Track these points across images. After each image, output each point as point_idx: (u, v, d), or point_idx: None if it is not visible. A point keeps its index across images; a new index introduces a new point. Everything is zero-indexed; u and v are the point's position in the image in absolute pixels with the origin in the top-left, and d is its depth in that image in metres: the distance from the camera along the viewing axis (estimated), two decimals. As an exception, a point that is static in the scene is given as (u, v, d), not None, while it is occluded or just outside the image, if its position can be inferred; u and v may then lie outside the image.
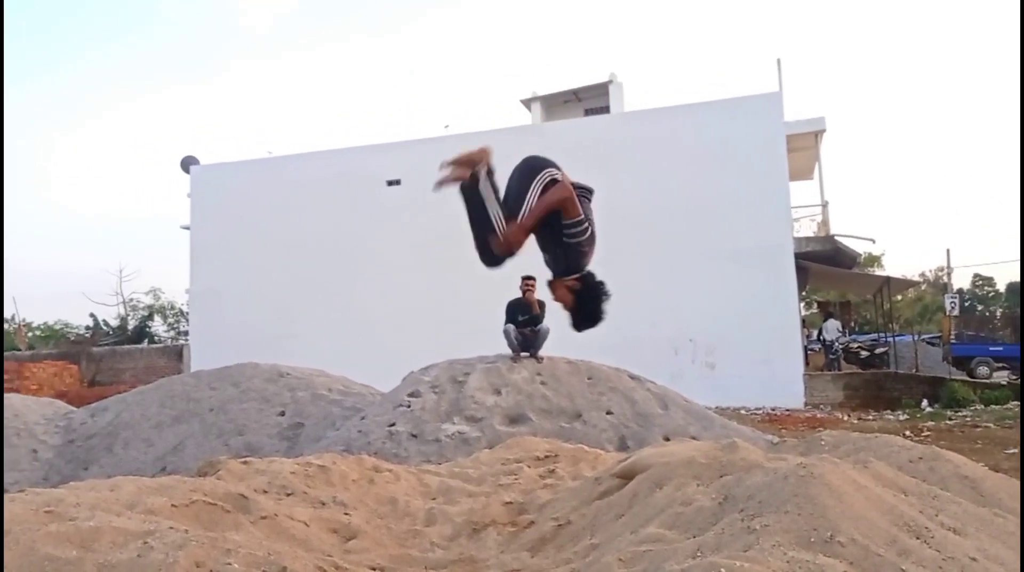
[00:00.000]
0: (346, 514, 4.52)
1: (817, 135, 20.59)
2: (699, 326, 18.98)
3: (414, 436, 7.92)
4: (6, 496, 3.67)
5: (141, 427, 9.70)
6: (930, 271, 54.69)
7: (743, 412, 15.71)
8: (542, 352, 9.44)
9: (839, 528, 2.70)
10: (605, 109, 23.94)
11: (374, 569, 3.33)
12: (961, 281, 57.86)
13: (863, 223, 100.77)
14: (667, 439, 7.60)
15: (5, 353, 27.95)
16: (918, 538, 2.79)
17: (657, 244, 19.56)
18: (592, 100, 25.07)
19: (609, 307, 3.61)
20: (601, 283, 3.54)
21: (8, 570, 2.53)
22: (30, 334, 33.45)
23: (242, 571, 2.47)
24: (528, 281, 9.14)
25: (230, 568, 2.49)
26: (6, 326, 37.73)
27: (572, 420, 8.37)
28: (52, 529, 2.80)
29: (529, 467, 6.00)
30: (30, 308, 54.61)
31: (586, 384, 9.01)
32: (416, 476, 5.75)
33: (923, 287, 48.16)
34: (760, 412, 16.17)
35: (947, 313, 23.51)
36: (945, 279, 39.71)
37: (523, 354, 9.33)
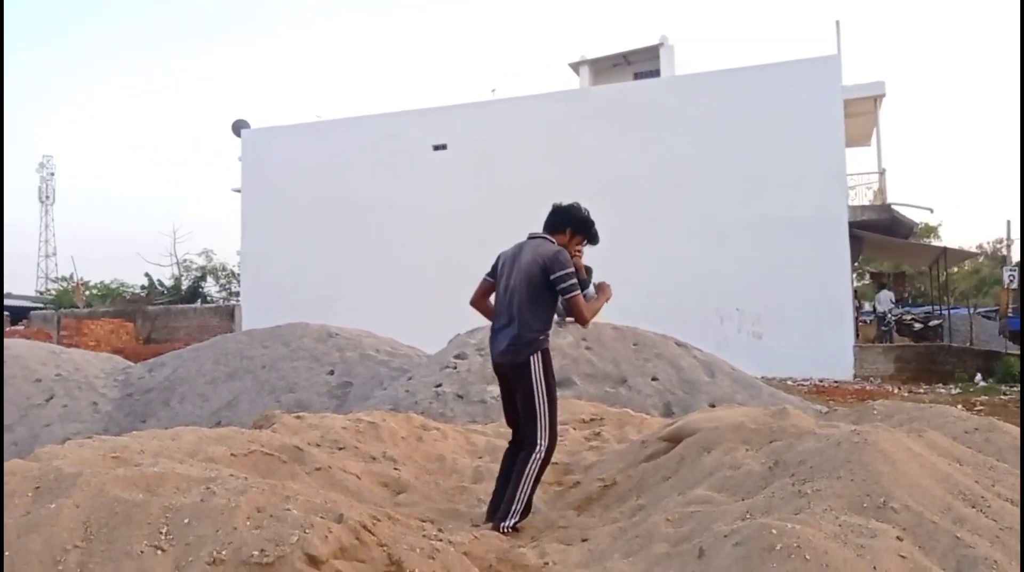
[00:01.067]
0: (396, 469, 4.63)
1: (876, 100, 19.90)
2: (747, 295, 18.72)
3: (460, 397, 8.03)
4: (75, 441, 3.84)
5: (197, 383, 10.01)
6: (988, 243, 52.89)
7: (789, 382, 15.53)
8: (588, 317, 9.43)
9: (893, 494, 2.68)
10: (655, 73, 23.49)
11: (424, 521, 3.41)
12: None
13: (921, 192, 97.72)
14: (713, 406, 7.57)
15: (64, 310, 28.96)
16: (974, 507, 2.74)
17: (707, 210, 19.26)
18: (642, 64, 24.61)
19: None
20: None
21: (80, 509, 2.65)
22: (88, 293, 34.49)
23: (301, 517, 2.55)
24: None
25: (289, 514, 2.57)
26: (65, 285, 39.04)
27: (617, 385, 8.39)
28: (120, 473, 2.92)
29: (575, 429, 6.05)
30: (88, 268, 56.37)
31: (632, 350, 9.00)
32: (463, 435, 5.84)
33: (981, 259, 46.63)
34: (807, 383, 15.97)
35: (1005, 286, 22.76)
36: (1004, 251, 38.44)
37: (568, 319, 9.32)
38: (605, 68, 25.16)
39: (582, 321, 3.81)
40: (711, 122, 19.56)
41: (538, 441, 3.70)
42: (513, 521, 3.63)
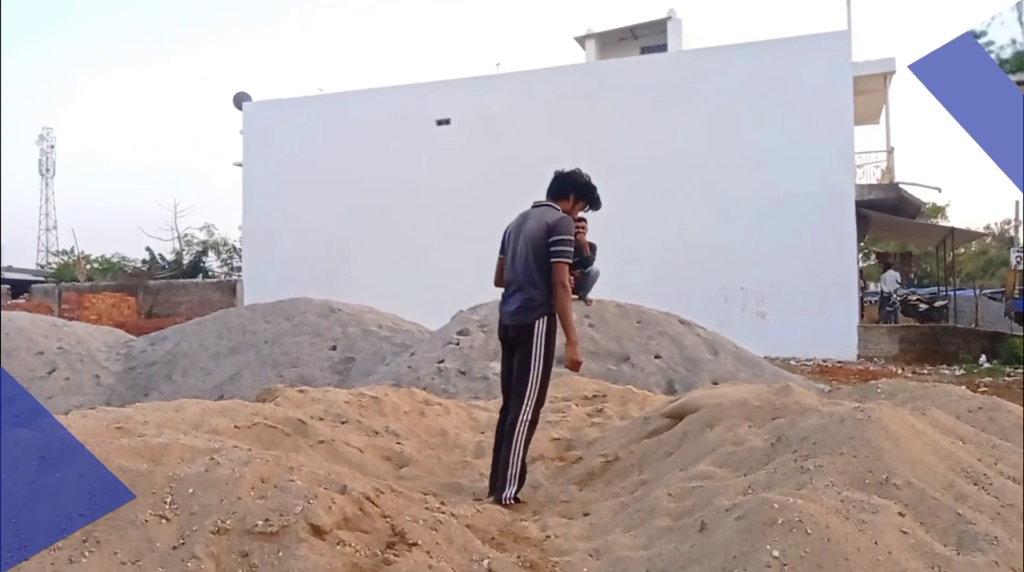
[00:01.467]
0: (398, 443, 4.64)
1: (886, 77, 19.71)
2: (751, 274, 18.67)
3: (463, 373, 8.05)
4: (78, 412, 3.85)
5: (199, 356, 10.04)
6: (996, 224, 52.58)
7: (792, 362, 15.54)
8: (591, 295, 9.41)
9: (895, 471, 2.68)
10: (663, 47, 23.25)
11: (426, 495, 3.43)
12: (1028, 235, 55.41)
13: (929, 171, 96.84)
14: (716, 384, 7.57)
15: (65, 284, 29.05)
16: (976, 484, 2.75)
17: (712, 188, 19.16)
18: (649, 38, 24.35)
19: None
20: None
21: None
22: (89, 266, 34.50)
23: (305, 488, 2.56)
24: (579, 222, 9.07)
25: (293, 485, 2.58)
26: (66, 258, 39.12)
27: (620, 363, 8.39)
28: (124, 443, 2.92)
29: (577, 405, 6.06)
30: (89, 241, 56.41)
31: (635, 328, 8.99)
32: (465, 410, 5.86)
33: (988, 240, 46.40)
34: (810, 363, 15.98)
35: (1012, 267, 22.68)
36: (1012, 233, 38.22)
37: (571, 296, 9.31)
38: (612, 42, 24.91)
39: (553, 285, 3.82)
40: (718, 98, 19.39)
41: (524, 400, 3.75)
42: (512, 490, 3.68)
